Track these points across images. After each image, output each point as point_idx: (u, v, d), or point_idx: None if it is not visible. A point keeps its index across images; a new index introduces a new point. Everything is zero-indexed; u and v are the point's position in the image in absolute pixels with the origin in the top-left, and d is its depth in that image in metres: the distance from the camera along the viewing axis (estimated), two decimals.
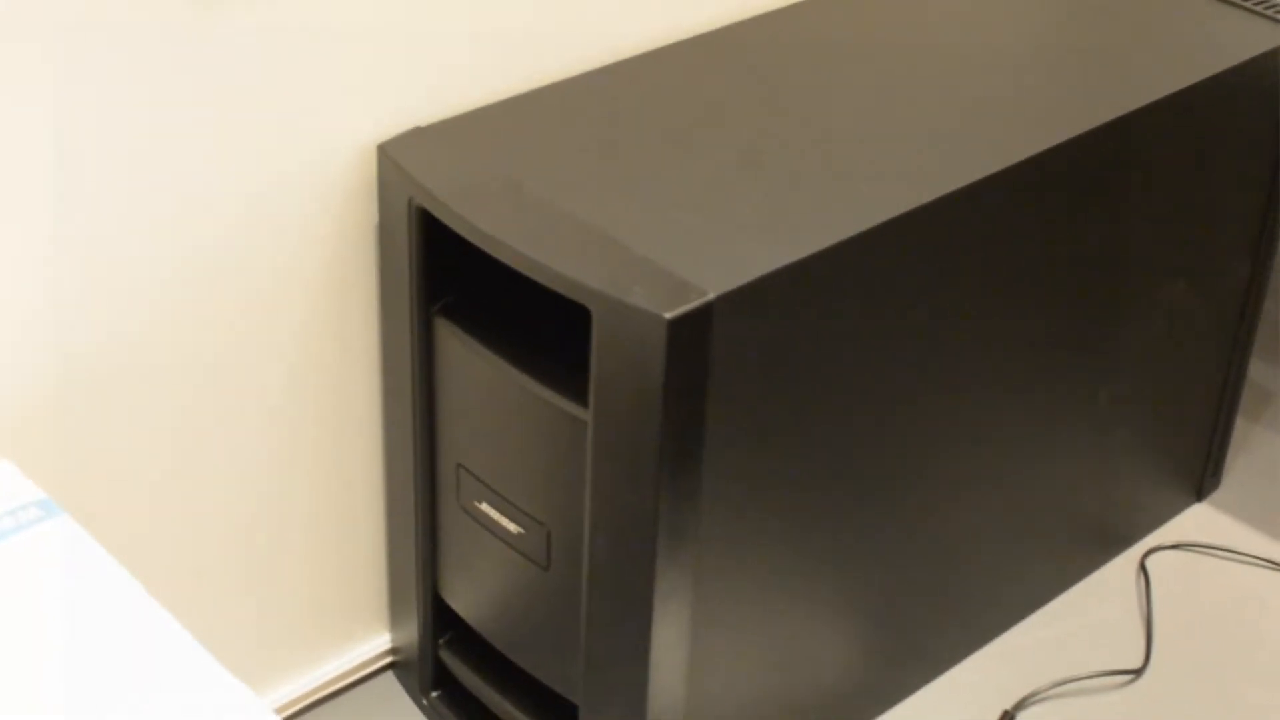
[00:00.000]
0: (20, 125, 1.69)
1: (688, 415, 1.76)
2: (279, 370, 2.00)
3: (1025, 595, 2.42)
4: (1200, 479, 2.61)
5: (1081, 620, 2.42)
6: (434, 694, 2.23)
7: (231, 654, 2.09)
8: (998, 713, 2.28)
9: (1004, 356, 2.13)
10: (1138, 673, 2.35)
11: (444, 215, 1.86)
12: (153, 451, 1.94)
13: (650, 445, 1.75)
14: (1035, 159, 1.98)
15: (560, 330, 1.88)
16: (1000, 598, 2.37)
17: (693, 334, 1.71)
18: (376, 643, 2.29)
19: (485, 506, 1.98)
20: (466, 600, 2.11)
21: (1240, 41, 2.23)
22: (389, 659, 2.30)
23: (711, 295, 1.71)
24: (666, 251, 1.77)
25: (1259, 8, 2.30)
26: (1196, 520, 2.60)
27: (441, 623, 2.17)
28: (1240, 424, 2.69)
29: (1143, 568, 2.51)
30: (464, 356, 1.93)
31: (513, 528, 1.96)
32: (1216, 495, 2.65)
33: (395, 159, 1.92)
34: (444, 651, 2.19)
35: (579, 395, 1.81)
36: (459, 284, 1.97)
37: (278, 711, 2.20)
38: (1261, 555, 2.53)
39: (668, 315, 1.69)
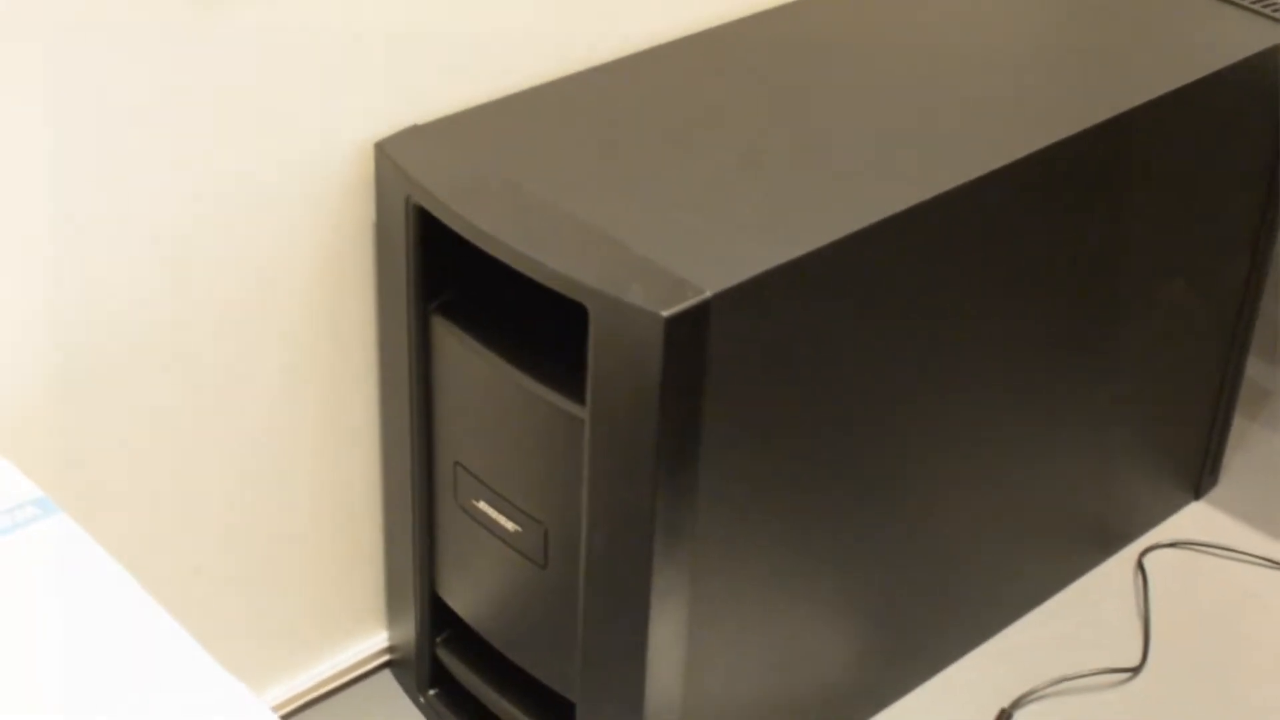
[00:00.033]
0: (18, 123, 1.69)
1: (685, 413, 1.76)
2: (276, 368, 2.00)
3: (1023, 593, 2.42)
4: (1198, 477, 2.62)
5: (1079, 619, 2.42)
6: (431, 692, 2.23)
7: (229, 652, 2.09)
8: (995, 711, 2.28)
9: (1002, 355, 2.13)
10: (1135, 671, 2.35)
11: (441, 213, 1.86)
12: (150, 450, 1.94)
13: (647, 443, 1.75)
14: (1033, 157, 1.98)
15: (558, 328, 1.87)
16: (998, 596, 2.37)
17: (690, 332, 1.71)
18: (374, 641, 2.29)
19: (483, 505, 1.98)
20: (464, 598, 2.11)
21: (1238, 40, 2.23)
22: (386, 657, 2.30)
23: (709, 293, 1.71)
24: (664, 249, 1.77)
25: (1257, 6, 2.29)
26: (1194, 518, 2.60)
27: (439, 621, 2.17)
28: (1238, 422, 2.69)
29: (1140, 566, 2.51)
30: (461, 355, 1.93)
31: (510, 526, 1.96)
32: (1214, 493, 2.65)
33: (393, 157, 1.92)
34: (441, 650, 2.19)
35: (576, 393, 1.81)
36: (456, 282, 1.97)
37: (275, 709, 2.20)
38: (1259, 553, 2.53)
39: (665, 313, 1.69)
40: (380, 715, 2.25)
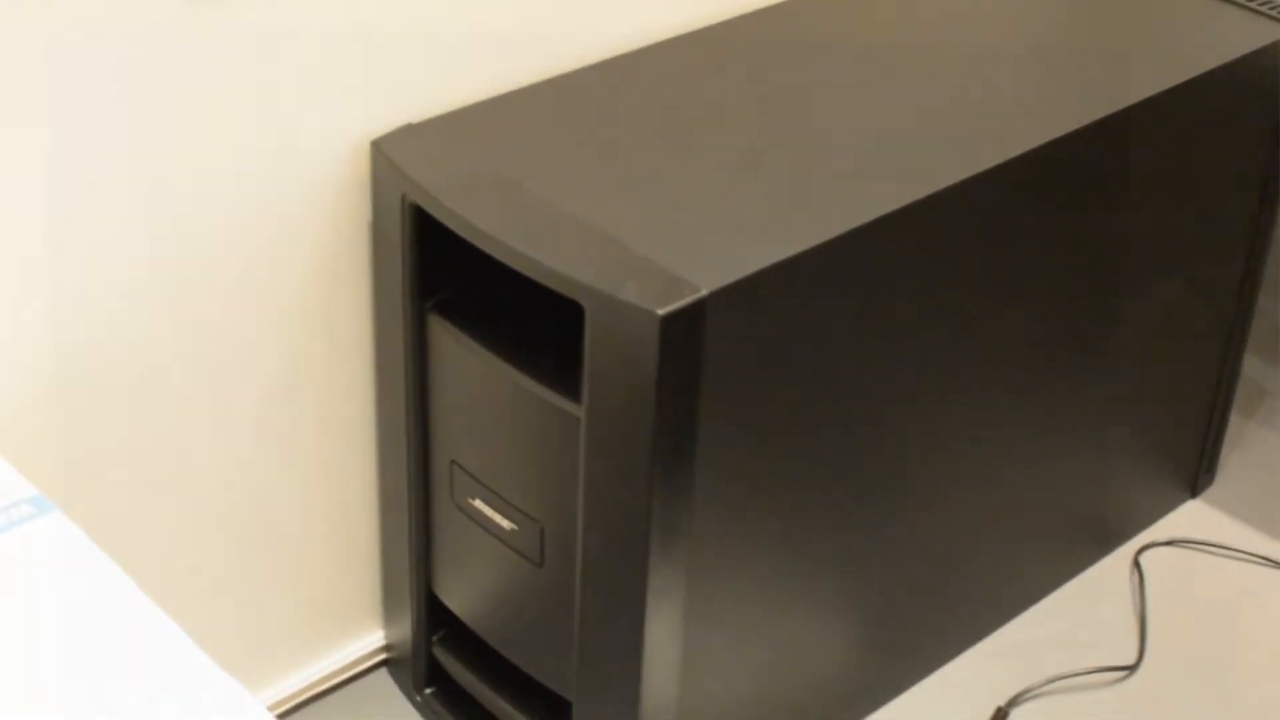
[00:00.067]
0: (15, 122, 1.69)
1: (681, 411, 1.76)
2: (272, 367, 2.00)
3: (1019, 592, 2.42)
4: (1195, 475, 2.62)
5: (1075, 617, 2.42)
6: (428, 691, 2.23)
7: (225, 651, 2.08)
8: (991, 709, 2.28)
9: (998, 353, 2.13)
10: (1131, 669, 2.35)
11: (437, 211, 1.86)
12: (145, 448, 1.94)
13: (643, 441, 1.75)
14: (1030, 155, 1.98)
15: (554, 326, 1.87)
16: (995, 594, 2.37)
17: (686, 330, 1.71)
18: (370, 640, 2.29)
19: (479, 503, 1.98)
20: (460, 597, 2.11)
21: (1235, 38, 2.23)
22: (383, 656, 2.30)
23: (704, 291, 1.71)
24: (660, 248, 1.77)
25: (1255, 5, 2.29)
26: (1191, 516, 2.60)
27: (435, 619, 2.17)
28: (1235, 420, 2.69)
29: (1137, 564, 2.51)
30: (457, 353, 1.93)
31: (506, 524, 1.96)
32: (1211, 491, 2.65)
33: (389, 155, 1.92)
34: (437, 648, 2.19)
35: (572, 391, 1.81)
36: (452, 280, 1.97)
37: (272, 708, 2.20)
38: (1255, 551, 2.53)
39: (660, 311, 1.69)
40: (376, 714, 2.25)
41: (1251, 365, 2.80)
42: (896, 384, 2.00)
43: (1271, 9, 2.28)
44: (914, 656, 2.30)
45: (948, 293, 2.00)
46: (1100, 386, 2.32)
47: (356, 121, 1.94)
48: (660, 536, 1.81)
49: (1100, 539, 2.51)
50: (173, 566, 2.02)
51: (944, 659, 2.34)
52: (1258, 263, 2.44)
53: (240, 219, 1.89)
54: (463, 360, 1.93)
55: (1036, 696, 2.30)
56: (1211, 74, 2.16)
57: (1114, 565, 2.51)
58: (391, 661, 2.29)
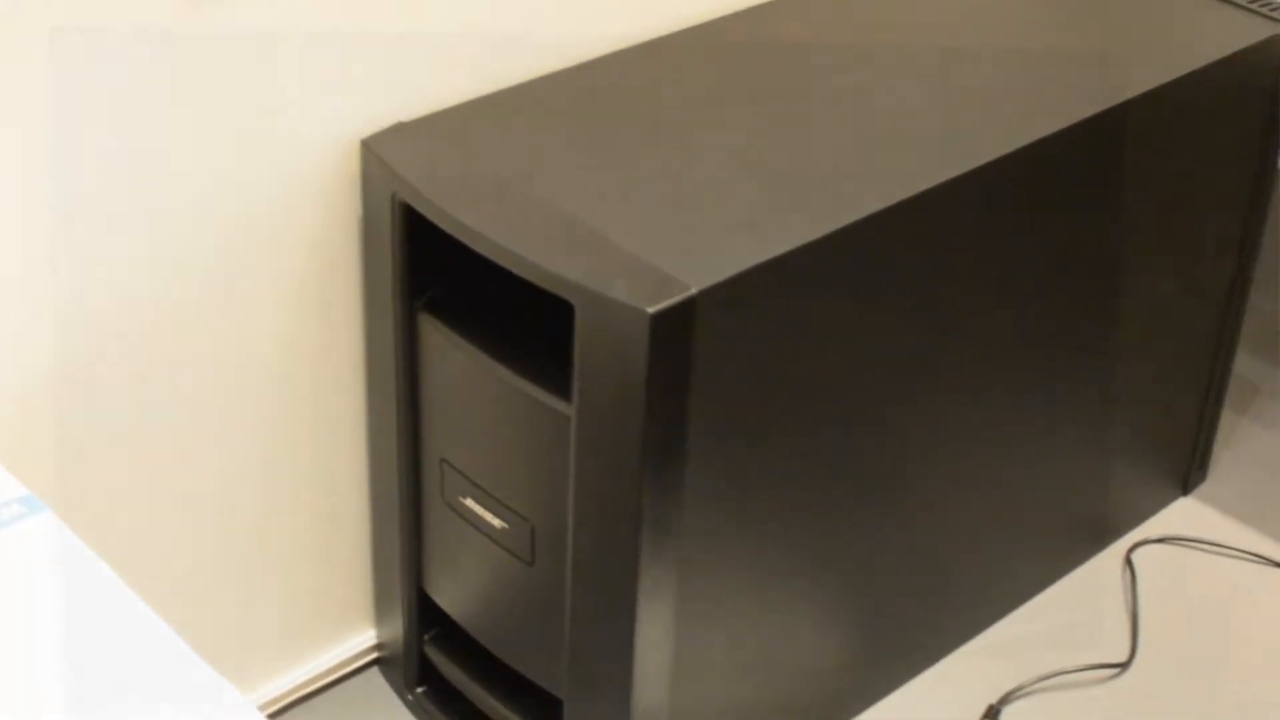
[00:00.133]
0: (10, 123, 1.68)
1: (671, 410, 1.76)
2: (262, 365, 2.00)
3: (1011, 590, 2.42)
4: (1186, 473, 2.62)
5: (1067, 614, 2.42)
6: (419, 690, 2.22)
7: (216, 651, 2.10)
8: (983, 707, 2.28)
9: (990, 351, 2.13)
10: (1123, 667, 2.35)
11: (427, 210, 1.86)
12: (135, 447, 1.93)
13: (633, 440, 1.75)
14: (1021, 152, 1.98)
15: (544, 325, 1.87)
16: (986, 592, 2.37)
17: (675, 328, 1.71)
18: (361, 639, 2.28)
19: (469, 502, 1.98)
20: (451, 596, 2.11)
21: (1226, 36, 2.23)
22: (374, 655, 2.30)
23: (694, 290, 1.71)
24: (649, 246, 1.77)
25: (1246, 3, 2.29)
26: (1182, 514, 2.60)
27: (426, 618, 2.17)
28: (1226, 418, 2.69)
29: (1128, 562, 2.51)
30: (447, 351, 1.93)
31: (497, 523, 1.96)
32: (1202, 489, 2.65)
33: (378, 154, 1.92)
34: (429, 647, 2.19)
35: (562, 390, 1.81)
36: (443, 279, 1.97)
37: (263, 708, 2.20)
38: (1247, 549, 2.54)
39: (650, 310, 1.68)
40: (368, 713, 2.25)
41: (1243, 362, 2.81)
42: (887, 382, 2.00)
43: (1264, 6, 2.28)
44: (906, 654, 2.30)
45: (938, 291, 2.00)
46: (1093, 384, 2.32)
47: (346, 120, 1.94)
48: (651, 535, 1.81)
49: (1092, 536, 2.51)
50: (163, 566, 2.02)
51: (936, 657, 2.34)
52: (1249, 259, 2.44)
53: (231, 218, 1.89)
54: (453, 359, 1.93)
55: (1028, 694, 2.30)
56: (1203, 71, 2.16)
57: (1106, 563, 2.51)
58: (383, 661, 2.29)
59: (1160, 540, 2.55)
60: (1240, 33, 2.23)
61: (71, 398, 1.85)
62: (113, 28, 1.71)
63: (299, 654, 2.23)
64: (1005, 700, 2.28)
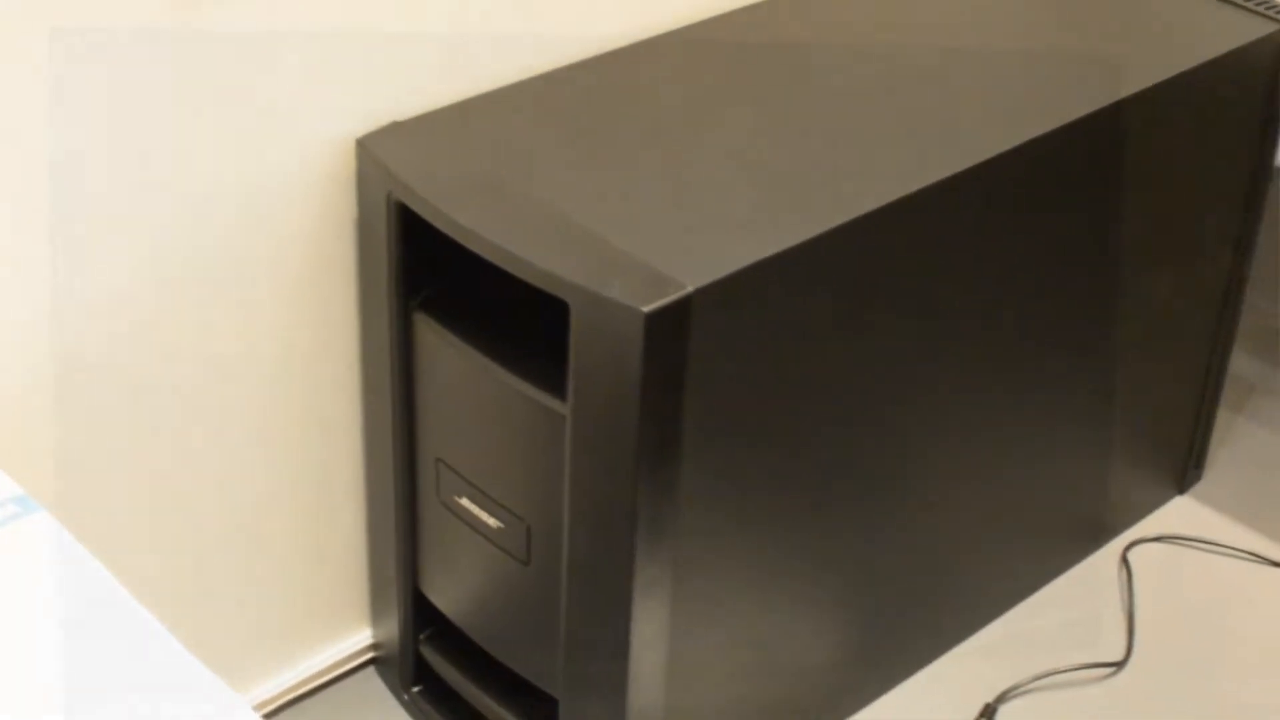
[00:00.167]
0: (7, 122, 1.69)
1: (666, 409, 1.76)
2: (258, 365, 2.00)
3: (1007, 589, 2.42)
4: (1183, 471, 2.62)
5: (1063, 613, 2.42)
6: (415, 689, 2.22)
7: (211, 651, 2.08)
8: (979, 706, 2.28)
9: (986, 350, 2.13)
10: (1119, 665, 2.35)
11: (422, 209, 1.85)
12: (130, 447, 1.93)
13: (629, 439, 1.75)
14: (1018, 151, 1.98)
15: (539, 324, 1.87)
16: (982, 591, 2.37)
17: (671, 328, 1.71)
18: (357, 639, 2.28)
19: (465, 501, 1.98)
20: (447, 595, 2.11)
21: (1222, 34, 2.22)
22: (370, 655, 2.29)
23: (690, 289, 1.71)
24: (644, 245, 1.77)
25: (1247, 2, 2.29)
26: (1179, 513, 2.60)
27: (422, 618, 2.17)
28: (1222, 416, 2.69)
29: (1125, 560, 2.51)
30: (443, 351, 1.93)
31: (492, 522, 1.96)
32: (1199, 488, 2.65)
33: (374, 153, 1.92)
34: (425, 647, 2.18)
35: (558, 389, 1.80)
36: (438, 278, 1.96)
37: (258, 708, 2.20)
38: (1243, 548, 2.54)
39: (645, 309, 1.68)
40: (364, 713, 2.24)
41: (1240, 361, 2.81)
42: (883, 382, 2.00)
43: (1261, 5, 2.28)
44: (902, 653, 2.30)
45: (934, 289, 2.00)
46: (1089, 382, 2.32)
47: (342, 120, 1.94)
48: (646, 534, 1.81)
49: (1089, 535, 2.51)
50: (158, 566, 2.02)
51: (932, 655, 2.34)
52: (1245, 258, 2.44)
53: (226, 217, 1.89)
54: (448, 358, 1.93)
55: (1024, 693, 2.30)
56: (1200, 69, 2.16)
57: (1102, 562, 2.51)
58: (379, 660, 2.29)
59: (1157, 539, 2.55)
60: (1237, 31, 2.23)
61: (67, 397, 1.85)
62: (106, 26, 1.71)
63: (294, 654, 2.23)
64: (1001, 699, 2.28)
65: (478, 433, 1.94)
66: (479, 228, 1.79)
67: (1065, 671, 2.33)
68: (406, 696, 2.23)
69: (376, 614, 2.26)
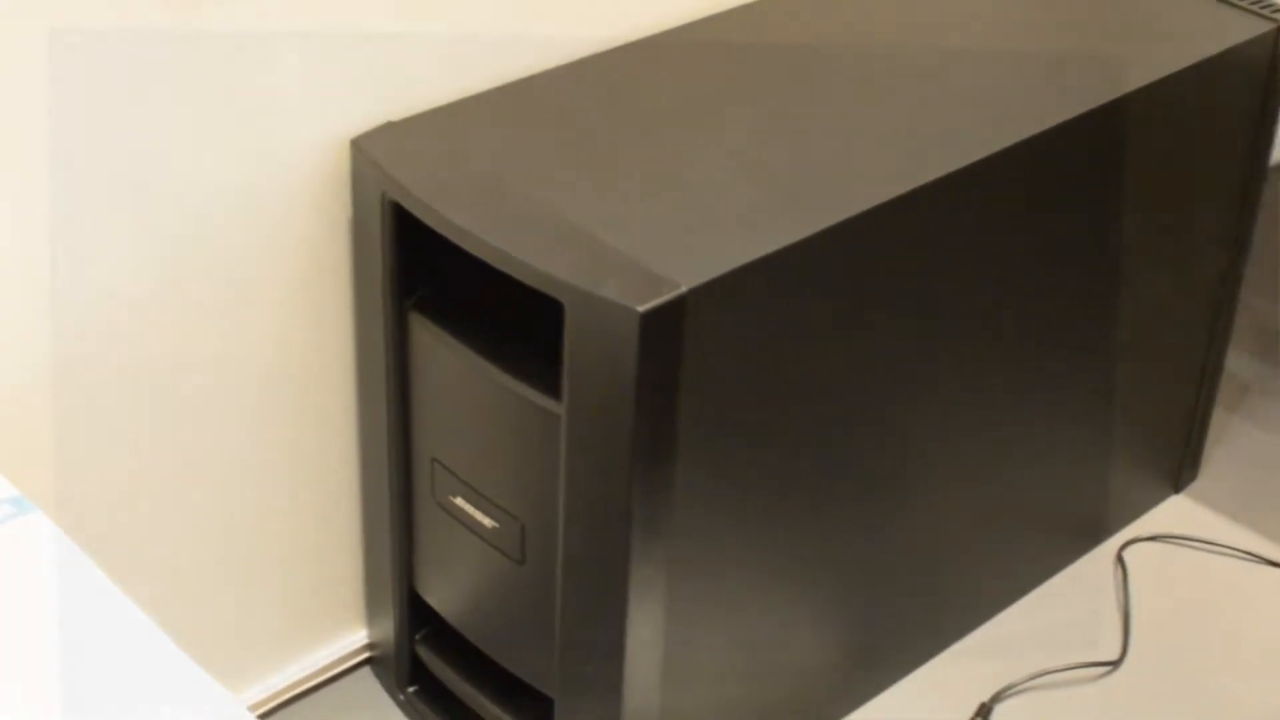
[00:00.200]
0: (7, 122, 1.69)
1: (661, 408, 1.76)
2: (253, 365, 2.00)
3: (1002, 588, 2.42)
4: (1178, 471, 2.62)
5: (1059, 613, 2.42)
6: (411, 689, 2.22)
7: (207, 651, 2.09)
8: (975, 705, 2.28)
9: (981, 349, 2.13)
10: (1115, 665, 2.35)
11: (417, 209, 1.85)
12: (125, 447, 1.93)
13: (624, 439, 1.75)
14: (1014, 149, 1.98)
15: (534, 324, 1.87)
16: (978, 591, 2.37)
17: (665, 327, 1.71)
18: (353, 639, 2.28)
19: (460, 501, 1.98)
20: (442, 595, 2.11)
21: (1218, 33, 2.22)
22: (366, 655, 2.29)
23: (684, 288, 1.71)
24: (639, 245, 1.77)
25: (1245, 4, 2.29)
26: (1174, 512, 2.60)
27: (418, 618, 2.17)
28: (1218, 415, 2.69)
29: (1120, 560, 2.51)
30: (438, 351, 1.93)
31: (487, 522, 1.95)
32: (1194, 487, 2.65)
33: (368, 153, 1.92)
34: (420, 647, 2.18)
35: (553, 389, 1.80)
36: (433, 278, 1.96)
37: (254, 709, 2.20)
38: (1239, 547, 2.54)
39: (640, 308, 1.68)
40: (360, 713, 2.24)
41: (1235, 360, 2.81)
42: (879, 381, 2.00)
43: (1256, 4, 2.28)
44: (897, 653, 2.30)
45: (930, 289, 2.00)
46: (1084, 382, 2.32)
47: (336, 119, 1.94)
48: (641, 534, 1.81)
49: (1084, 535, 2.51)
50: (153, 566, 2.02)
51: (927, 655, 2.34)
52: (1240, 257, 2.44)
53: (221, 217, 1.89)
54: (443, 358, 1.93)
55: (1020, 692, 2.30)
56: (1196, 68, 2.16)
57: (1098, 561, 2.51)
58: (374, 660, 2.29)
59: (1152, 538, 2.55)
60: (1233, 29, 2.23)
61: (64, 397, 1.85)
62: (102, 26, 1.71)
63: (290, 654, 2.23)
64: (997, 698, 2.28)
65: (473, 432, 1.94)
66: (474, 228, 1.79)
67: (1060, 670, 2.33)
68: (402, 696, 2.23)
69: (372, 614, 2.25)
